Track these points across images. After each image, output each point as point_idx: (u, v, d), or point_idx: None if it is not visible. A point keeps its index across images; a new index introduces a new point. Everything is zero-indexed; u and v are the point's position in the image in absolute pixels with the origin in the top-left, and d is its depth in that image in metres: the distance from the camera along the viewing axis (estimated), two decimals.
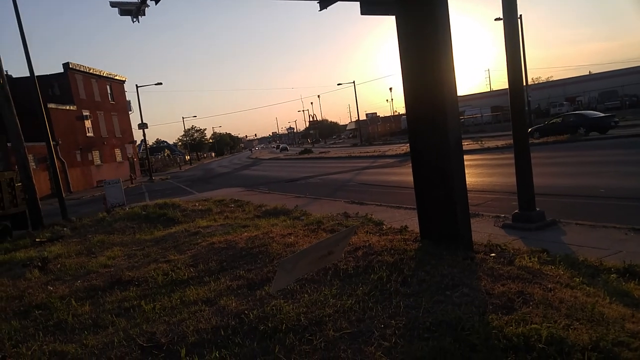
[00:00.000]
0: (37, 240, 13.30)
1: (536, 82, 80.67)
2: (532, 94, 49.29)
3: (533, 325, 3.66)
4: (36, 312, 6.20)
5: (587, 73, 76.65)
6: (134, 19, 8.61)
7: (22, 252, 11.36)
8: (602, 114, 32.04)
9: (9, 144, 25.07)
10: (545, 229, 8.52)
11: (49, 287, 7.41)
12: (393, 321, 4.14)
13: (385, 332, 3.95)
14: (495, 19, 45.91)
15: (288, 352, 3.90)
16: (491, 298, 4.41)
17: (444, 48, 6.18)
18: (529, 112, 44.02)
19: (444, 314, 4.05)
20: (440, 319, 3.95)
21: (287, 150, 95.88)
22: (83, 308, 6.07)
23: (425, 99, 6.36)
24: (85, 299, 6.54)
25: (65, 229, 15.03)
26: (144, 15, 8.64)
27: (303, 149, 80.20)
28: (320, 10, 7.60)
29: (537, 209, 8.85)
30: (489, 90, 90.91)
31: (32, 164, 29.93)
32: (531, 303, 4.27)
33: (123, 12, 8.51)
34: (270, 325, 4.41)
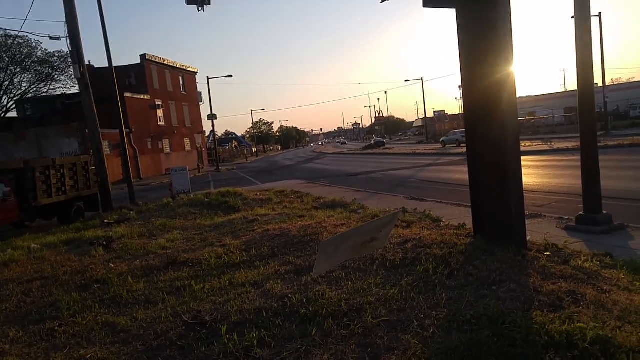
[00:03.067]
0: (105, 221, 14.04)
1: (616, 83, 76.02)
2: (610, 96, 46.43)
3: (579, 324, 3.49)
4: (95, 286, 6.57)
5: None
6: (200, 8, 8.90)
7: (90, 232, 12.04)
8: None
9: (87, 131, 26.61)
10: (611, 232, 8.03)
11: (110, 264, 7.81)
12: (434, 312, 4.07)
13: (424, 322, 3.90)
14: (572, 17, 43.53)
15: (325, 335, 3.93)
16: (539, 295, 4.24)
17: (504, 43, 5.98)
18: (605, 114, 41.64)
19: (487, 308, 3.94)
20: (482, 313, 3.84)
21: (346, 144, 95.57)
22: (138, 285, 6.37)
23: (482, 91, 6.17)
24: (141, 277, 6.85)
25: (131, 212, 15.76)
26: (209, 4, 8.91)
27: (367, 144, 79.79)
28: (381, 2, 7.55)
29: (604, 212, 8.37)
30: (563, 90, 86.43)
31: (107, 150, 31.56)
32: (582, 303, 4.07)
33: (189, 1, 8.82)
34: (311, 309, 4.45)
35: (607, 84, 42.59)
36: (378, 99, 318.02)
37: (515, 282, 4.54)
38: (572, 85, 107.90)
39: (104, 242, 9.60)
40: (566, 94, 73.78)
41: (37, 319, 5.47)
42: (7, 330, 5.12)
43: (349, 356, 3.50)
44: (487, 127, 6.12)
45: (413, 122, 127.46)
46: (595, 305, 4.01)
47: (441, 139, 52.14)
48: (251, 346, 3.88)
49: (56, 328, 5.00)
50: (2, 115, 44.32)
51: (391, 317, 4.12)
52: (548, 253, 5.72)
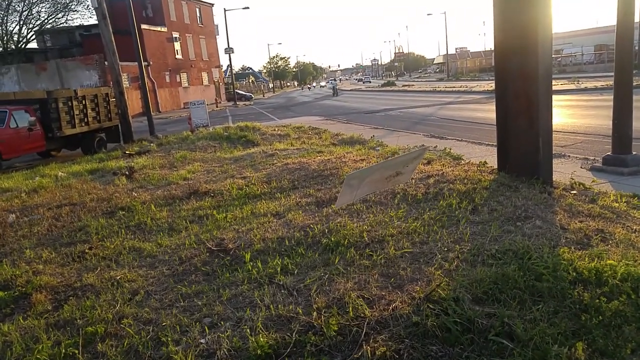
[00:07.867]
0: (126, 152, 14.20)
1: None
2: None
3: (609, 262, 3.44)
4: (120, 213, 6.68)
5: None
6: None
7: (113, 162, 12.23)
8: None
9: (106, 63, 26.43)
10: None
11: (133, 193, 7.90)
12: (457, 246, 4.05)
13: (447, 255, 3.88)
14: None
15: (347, 264, 3.95)
16: (566, 233, 4.18)
17: None
18: None
19: (512, 243, 3.90)
20: (507, 248, 3.81)
21: (368, 82, 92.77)
22: (161, 213, 6.44)
23: (516, 19, 5.87)
24: (163, 205, 6.92)
25: (152, 144, 15.83)
26: None
27: (385, 81, 78.07)
28: None
29: (634, 153, 8.10)
30: (595, 26, 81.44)
31: (126, 83, 31.37)
32: (611, 242, 4.01)
33: None
34: (333, 239, 4.47)
35: None
36: (398, 34, 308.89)
37: (541, 219, 4.48)
38: (606, 20, 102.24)
39: (127, 172, 9.70)
40: (597, 31, 69.05)
41: (67, 242, 5.61)
42: (40, 252, 5.29)
43: (372, 285, 3.51)
44: (520, 58, 5.87)
45: (434, 59, 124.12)
46: (624, 244, 3.95)
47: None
48: (275, 273, 3.93)
49: (86, 251, 5.14)
50: (23, 46, 44.20)
51: (414, 250, 4.11)
52: (574, 192, 5.61)
